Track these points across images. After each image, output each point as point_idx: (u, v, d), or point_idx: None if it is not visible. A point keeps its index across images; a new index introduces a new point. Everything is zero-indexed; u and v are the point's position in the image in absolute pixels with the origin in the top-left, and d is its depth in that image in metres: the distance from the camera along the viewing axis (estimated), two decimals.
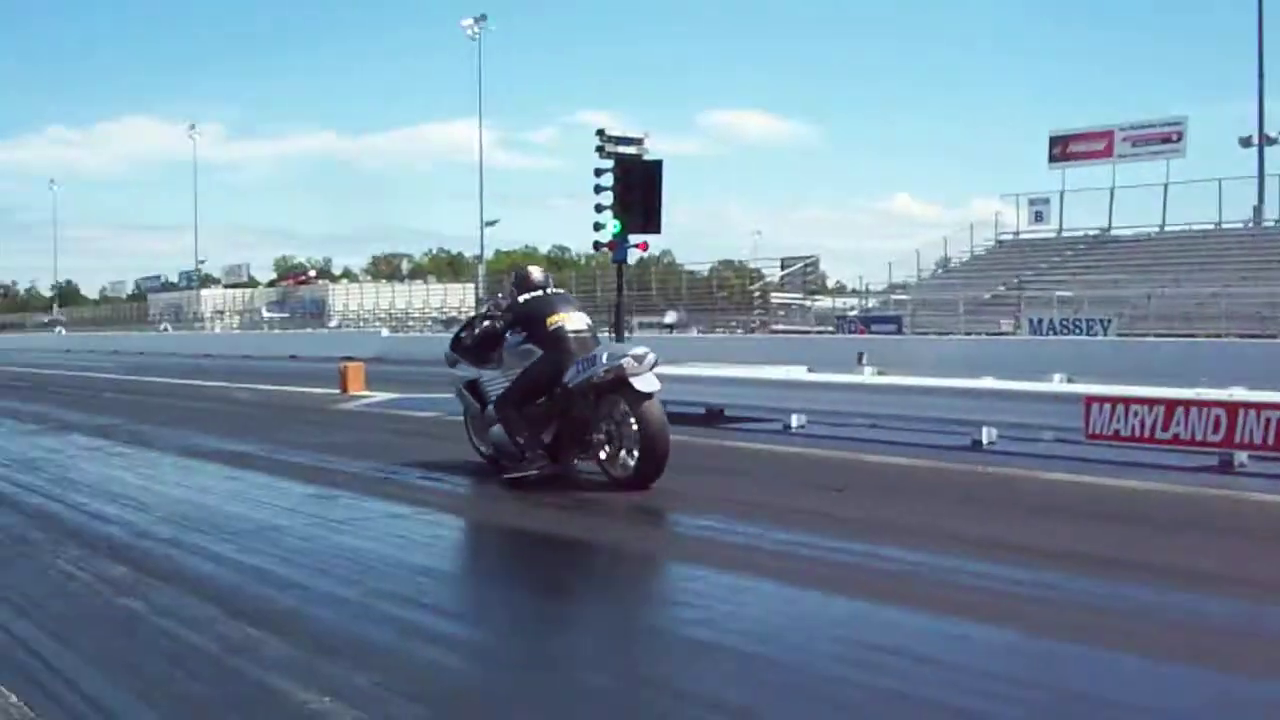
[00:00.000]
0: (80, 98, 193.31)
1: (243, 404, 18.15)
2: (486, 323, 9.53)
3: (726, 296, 46.44)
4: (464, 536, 7.32)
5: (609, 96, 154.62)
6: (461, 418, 10.18)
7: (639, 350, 8.56)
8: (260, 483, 9.32)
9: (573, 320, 9.05)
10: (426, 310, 60.50)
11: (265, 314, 74.71)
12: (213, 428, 13.74)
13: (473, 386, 9.75)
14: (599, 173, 17.11)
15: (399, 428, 13.96)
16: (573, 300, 9.66)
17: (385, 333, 47.65)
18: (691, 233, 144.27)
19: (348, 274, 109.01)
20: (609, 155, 17.21)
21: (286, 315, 72.99)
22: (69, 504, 8.29)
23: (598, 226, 17.06)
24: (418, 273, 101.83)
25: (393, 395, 18.29)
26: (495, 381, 9.44)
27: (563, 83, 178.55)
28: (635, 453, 8.35)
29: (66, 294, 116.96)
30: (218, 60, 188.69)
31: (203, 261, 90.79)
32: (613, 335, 18.19)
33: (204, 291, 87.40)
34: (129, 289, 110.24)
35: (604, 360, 8.48)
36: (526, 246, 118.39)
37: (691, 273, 51.50)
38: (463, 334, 9.85)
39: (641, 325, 30.57)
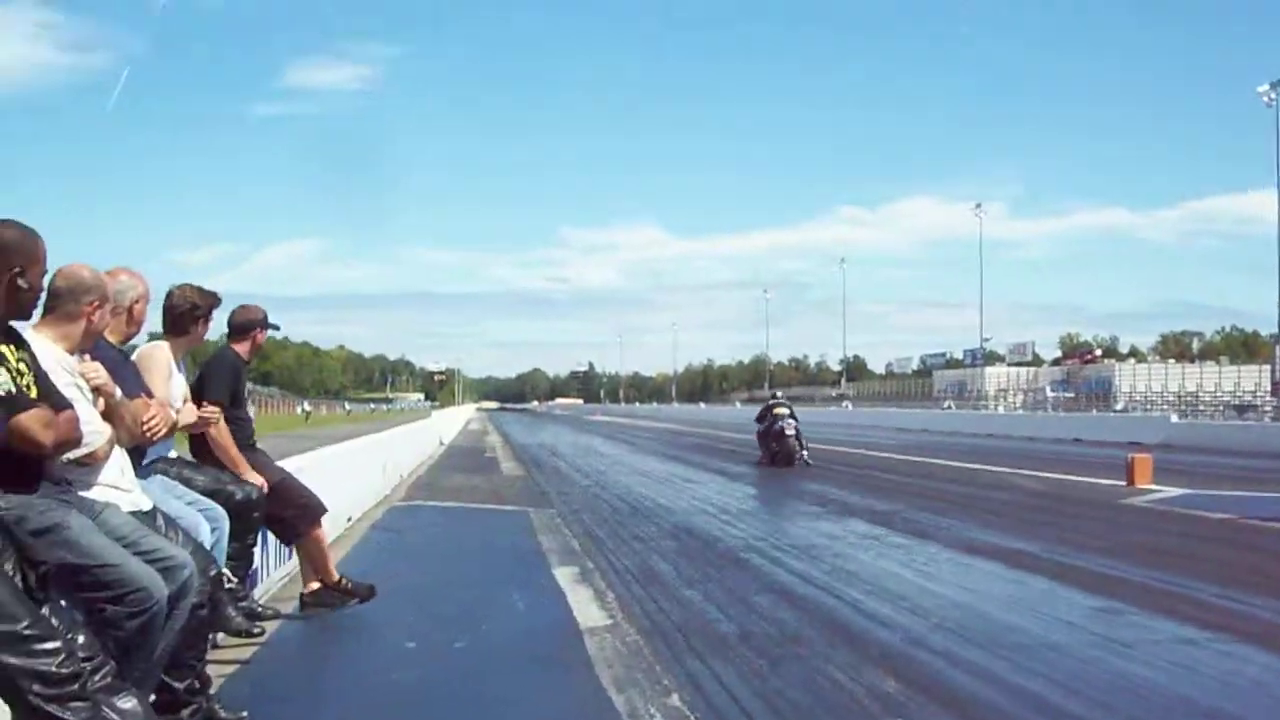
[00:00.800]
0: (870, 179, 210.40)
1: (1023, 493, 17.83)
2: (762, 410, 24.71)
3: None
4: (1269, 675, 6.21)
5: None
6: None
7: (790, 421, 22.92)
8: (1040, 589, 9.07)
9: (780, 408, 23.30)
10: (1218, 394, 55.77)
11: (1049, 393, 74.35)
12: (992, 520, 13.65)
13: (758, 433, 24.51)
14: None
15: (1191, 530, 12.82)
16: (782, 400, 24.21)
17: (1174, 418, 44.55)
18: None
19: (1135, 352, 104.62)
20: None
21: (1071, 395, 71.95)
22: (844, 599, 8.37)
23: None
24: (1209, 352, 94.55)
25: (1183, 491, 16.96)
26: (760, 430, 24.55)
27: None
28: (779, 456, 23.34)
29: (853, 368, 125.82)
30: (1001, 141, 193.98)
31: (988, 339, 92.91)
32: None
33: (988, 369, 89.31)
34: (914, 365, 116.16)
35: (777, 424, 22.97)
36: None
37: None
38: (760, 410, 24.81)
39: None
